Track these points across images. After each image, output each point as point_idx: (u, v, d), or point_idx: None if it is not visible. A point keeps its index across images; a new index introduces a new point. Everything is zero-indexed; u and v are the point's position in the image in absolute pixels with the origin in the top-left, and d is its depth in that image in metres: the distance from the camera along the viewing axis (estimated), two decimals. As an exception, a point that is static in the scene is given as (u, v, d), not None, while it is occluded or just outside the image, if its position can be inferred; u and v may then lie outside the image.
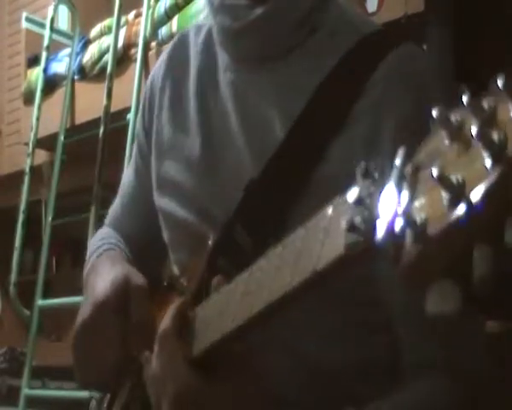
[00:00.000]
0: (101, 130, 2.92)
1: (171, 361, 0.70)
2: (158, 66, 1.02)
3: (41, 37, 3.51)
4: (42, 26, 3.53)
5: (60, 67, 3.48)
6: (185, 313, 0.73)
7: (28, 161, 3.35)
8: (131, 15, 3.19)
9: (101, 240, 1.04)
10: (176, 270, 0.96)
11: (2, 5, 4.06)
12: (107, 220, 1.12)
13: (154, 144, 0.98)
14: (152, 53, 3.00)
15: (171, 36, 2.90)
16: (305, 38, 0.87)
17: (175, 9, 2.94)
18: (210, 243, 0.84)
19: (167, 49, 1.03)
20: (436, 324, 0.64)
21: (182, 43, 1.00)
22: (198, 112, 0.93)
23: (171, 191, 0.94)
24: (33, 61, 3.65)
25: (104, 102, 2.95)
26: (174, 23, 2.92)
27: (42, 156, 3.54)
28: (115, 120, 2.94)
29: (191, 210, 0.90)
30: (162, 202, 0.96)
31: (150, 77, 1.03)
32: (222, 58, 0.92)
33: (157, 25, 2.98)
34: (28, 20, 3.63)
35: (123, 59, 3.11)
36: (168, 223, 0.96)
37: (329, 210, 0.50)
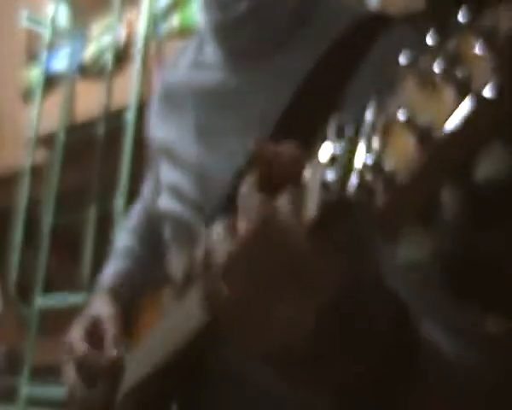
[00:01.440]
0: (101, 128, 2.92)
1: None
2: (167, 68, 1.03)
3: (41, 35, 3.50)
4: (42, 24, 3.52)
5: (59, 65, 3.47)
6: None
7: (27, 160, 3.34)
8: (131, 13, 3.19)
9: (116, 257, 1.06)
10: (172, 266, 0.97)
11: (2, 3, 4.06)
12: (144, 195, 1.12)
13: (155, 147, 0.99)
14: (152, 51, 3.00)
15: (171, 33, 2.90)
16: (300, 29, 0.86)
17: (175, 7, 2.94)
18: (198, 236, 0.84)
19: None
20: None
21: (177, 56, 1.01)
22: (193, 114, 0.92)
23: (169, 191, 0.94)
24: (33, 60, 3.65)
25: (104, 100, 2.94)
26: (174, 21, 2.92)
27: (41, 155, 3.54)
28: (115, 118, 2.94)
29: (187, 207, 0.90)
30: (159, 201, 0.96)
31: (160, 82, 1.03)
32: (215, 58, 0.92)
33: (157, 22, 2.98)
34: (28, 18, 3.63)
35: (123, 57, 3.10)
36: (166, 221, 0.96)
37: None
